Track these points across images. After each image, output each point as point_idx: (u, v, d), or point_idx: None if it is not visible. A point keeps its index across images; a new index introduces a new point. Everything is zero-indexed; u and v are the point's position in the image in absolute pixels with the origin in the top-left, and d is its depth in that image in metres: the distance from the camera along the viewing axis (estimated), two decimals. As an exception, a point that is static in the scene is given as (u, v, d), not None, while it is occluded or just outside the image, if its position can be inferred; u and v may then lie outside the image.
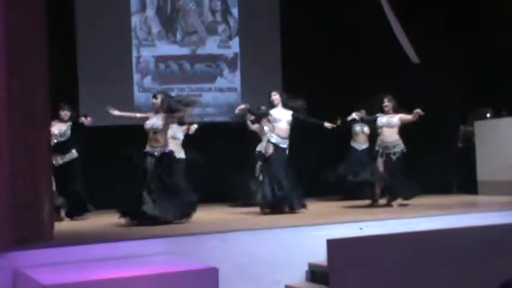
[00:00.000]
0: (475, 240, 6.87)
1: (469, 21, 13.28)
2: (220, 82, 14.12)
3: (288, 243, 7.39)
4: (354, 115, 11.03)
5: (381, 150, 10.70)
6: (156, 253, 6.71)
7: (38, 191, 7.00)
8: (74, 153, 10.45)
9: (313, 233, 7.46)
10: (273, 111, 10.18)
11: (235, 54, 14.23)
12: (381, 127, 10.72)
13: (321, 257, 6.99)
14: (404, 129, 11.07)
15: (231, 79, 14.17)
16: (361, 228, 7.67)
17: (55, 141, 9.96)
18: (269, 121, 10.32)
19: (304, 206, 9.94)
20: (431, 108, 12.59)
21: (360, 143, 12.51)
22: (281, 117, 10.12)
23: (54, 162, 9.68)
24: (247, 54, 14.16)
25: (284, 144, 10.04)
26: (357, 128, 12.43)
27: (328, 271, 6.31)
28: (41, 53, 7.17)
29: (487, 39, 13.03)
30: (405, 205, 10.42)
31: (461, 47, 13.29)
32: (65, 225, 9.32)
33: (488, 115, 12.63)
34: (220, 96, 13.97)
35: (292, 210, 9.82)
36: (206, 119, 13.63)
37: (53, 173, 8.71)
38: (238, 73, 14.20)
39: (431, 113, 12.70)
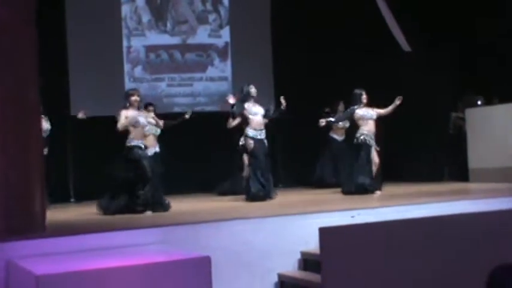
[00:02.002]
0: (466, 227, 6.89)
1: (462, 10, 13.26)
2: (211, 71, 14.10)
3: (280, 231, 7.39)
4: (324, 122, 11.33)
5: (369, 140, 10.78)
6: (148, 243, 6.71)
7: (30, 182, 6.97)
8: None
9: (306, 221, 7.47)
10: (248, 105, 10.49)
11: (226, 43, 14.21)
12: (368, 119, 10.85)
13: (313, 245, 7.01)
14: (395, 117, 11.12)
15: (222, 68, 14.16)
16: (352, 216, 7.68)
17: None
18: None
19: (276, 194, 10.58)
20: (422, 95, 12.64)
21: (340, 135, 12.95)
22: (257, 111, 10.51)
23: None
24: (238, 43, 14.14)
25: (261, 136, 10.46)
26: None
27: (320, 259, 6.33)
28: (32, 44, 7.13)
29: (478, 26, 13.05)
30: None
31: (453, 34, 13.31)
32: (57, 215, 9.30)
33: (479, 102, 12.64)
34: (211, 85, 13.96)
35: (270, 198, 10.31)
36: (197, 108, 13.62)
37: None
38: (229, 62, 14.19)
39: (422, 100, 12.77)
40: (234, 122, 11.94)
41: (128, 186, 9.33)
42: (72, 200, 12.55)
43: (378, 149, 10.70)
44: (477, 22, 12.91)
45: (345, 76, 13.12)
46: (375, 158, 10.72)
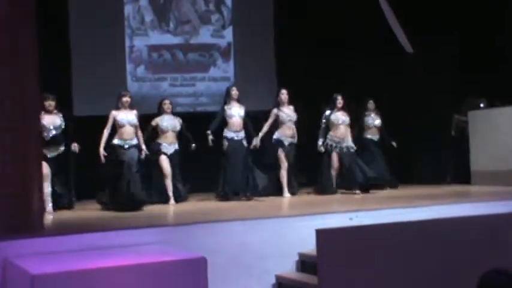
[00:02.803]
0: (466, 230, 6.87)
1: (465, 13, 13.23)
2: (213, 71, 14.08)
3: (278, 233, 7.38)
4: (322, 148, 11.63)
5: (334, 145, 11.40)
6: (145, 243, 6.70)
7: (28, 180, 6.97)
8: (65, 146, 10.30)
9: (304, 223, 7.44)
10: (227, 107, 10.99)
11: (229, 43, 14.19)
12: (339, 124, 11.41)
13: (311, 246, 6.98)
14: (397, 118, 11.14)
15: (225, 69, 14.14)
16: (351, 219, 7.66)
17: (51, 134, 9.92)
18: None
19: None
20: (425, 97, 12.62)
21: (374, 134, 12.63)
22: (234, 113, 10.94)
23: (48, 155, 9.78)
24: (241, 43, 14.12)
25: (238, 137, 10.87)
26: (370, 121, 12.56)
27: (317, 261, 6.31)
28: (31, 41, 7.13)
29: (481, 29, 13.01)
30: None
31: (456, 35, 13.28)
32: (54, 215, 9.31)
33: (481, 105, 12.61)
34: (213, 85, 13.94)
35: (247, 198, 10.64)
36: (199, 109, 13.63)
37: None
38: (231, 63, 14.16)
39: (424, 102, 12.75)
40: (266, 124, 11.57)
41: (110, 184, 9.77)
42: (73, 199, 12.53)
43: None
44: (480, 23, 12.87)
45: (347, 77, 13.11)
46: (335, 163, 11.32)
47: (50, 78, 9.93)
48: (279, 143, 11.19)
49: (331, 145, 11.38)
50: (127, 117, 10.29)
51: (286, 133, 11.22)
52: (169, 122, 10.90)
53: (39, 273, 5.38)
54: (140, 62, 13.72)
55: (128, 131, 10.18)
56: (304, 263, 7.27)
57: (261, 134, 11.08)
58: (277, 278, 7.27)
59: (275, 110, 11.29)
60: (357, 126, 12.31)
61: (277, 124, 11.27)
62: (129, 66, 13.64)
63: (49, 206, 9.51)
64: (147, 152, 10.51)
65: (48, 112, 9.96)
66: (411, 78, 12.78)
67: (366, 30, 13.29)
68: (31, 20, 7.15)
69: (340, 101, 11.41)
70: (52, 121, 9.96)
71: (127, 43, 13.64)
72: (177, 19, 13.96)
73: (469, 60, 13.08)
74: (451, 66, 13.35)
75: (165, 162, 10.67)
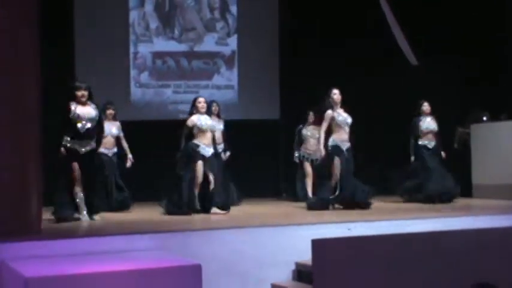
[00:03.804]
0: (465, 243, 6.85)
1: (469, 25, 13.24)
2: (217, 79, 14.09)
3: (275, 242, 7.38)
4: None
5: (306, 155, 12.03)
6: (141, 249, 6.71)
7: (25, 184, 7.00)
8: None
9: (301, 232, 7.44)
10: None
11: (233, 51, 14.20)
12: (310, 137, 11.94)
13: (308, 256, 6.97)
14: (399, 129, 11.16)
15: (228, 77, 14.14)
16: (349, 229, 7.65)
17: (87, 126, 8.98)
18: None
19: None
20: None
21: (429, 140, 11.50)
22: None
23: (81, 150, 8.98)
24: (245, 52, 14.13)
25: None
26: (424, 125, 11.46)
27: (312, 271, 6.30)
28: (32, 45, 7.14)
29: (485, 42, 13.02)
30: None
31: (461, 48, 13.28)
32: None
33: (484, 118, 12.59)
34: (217, 93, 13.93)
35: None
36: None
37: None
38: (235, 71, 14.17)
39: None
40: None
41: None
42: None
43: None
44: (485, 36, 12.88)
45: (351, 87, 13.08)
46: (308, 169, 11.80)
47: (53, 83, 9.98)
48: (336, 149, 10.17)
49: (303, 156, 11.99)
50: (109, 128, 10.58)
51: (343, 138, 10.24)
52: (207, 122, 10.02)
53: (33, 276, 5.41)
54: (144, 68, 13.74)
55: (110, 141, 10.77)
56: (301, 273, 7.24)
57: (322, 141, 10.20)
58: (273, 286, 7.25)
59: (330, 112, 10.26)
60: (411, 132, 11.49)
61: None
62: (133, 73, 13.66)
63: (83, 213, 8.79)
64: (132, 160, 10.91)
65: (82, 104, 9.00)
66: (416, 89, 12.73)
67: (372, 41, 13.27)
68: (32, 25, 7.17)
69: (311, 117, 11.88)
70: (87, 112, 8.99)
71: (131, 49, 13.67)
72: (182, 26, 13.98)
73: (474, 73, 13.10)
74: (457, 79, 13.34)
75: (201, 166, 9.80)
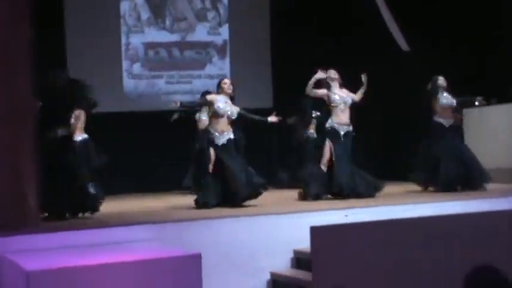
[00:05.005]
0: (461, 227, 6.88)
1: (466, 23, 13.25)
2: (209, 69, 14.10)
3: (273, 230, 7.41)
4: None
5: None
6: (140, 239, 6.73)
7: (23, 177, 6.99)
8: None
9: (299, 219, 7.47)
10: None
11: (225, 41, 14.21)
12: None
13: (306, 243, 7.00)
14: (392, 117, 11.13)
15: (221, 66, 14.15)
16: (346, 215, 7.68)
17: None
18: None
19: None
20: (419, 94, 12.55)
21: (447, 118, 10.49)
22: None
23: None
24: (237, 41, 14.14)
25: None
26: (444, 100, 10.43)
27: (311, 258, 6.33)
28: (25, 41, 7.13)
29: (476, 28, 13.02)
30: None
31: (450, 33, 13.29)
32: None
33: (476, 103, 12.60)
34: (209, 83, 13.86)
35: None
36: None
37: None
38: (227, 60, 14.19)
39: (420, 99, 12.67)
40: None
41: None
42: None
43: None
44: (477, 21, 12.88)
45: (345, 75, 13.09)
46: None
47: (45, 76, 9.95)
48: (332, 132, 9.67)
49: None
50: None
51: (341, 120, 9.67)
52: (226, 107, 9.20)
53: (34, 269, 5.41)
54: (136, 59, 13.73)
55: None
56: (299, 260, 7.29)
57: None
58: (272, 274, 7.30)
59: (324, 91, 9.84)
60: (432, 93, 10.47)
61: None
62: (125, 64, 13.65)
63: None
64: None
65: None
66: (410, 76, 12.74)
67: (365, 28, 13.27)
68: (25, 20, 7.15)
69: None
70: None
71: (123, 40, 13.66)
72: (173, 16, 13.97)
73: (465, 58, 13.10)
74: (450, 65, 13.35)
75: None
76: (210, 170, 8.96)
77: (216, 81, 13.75)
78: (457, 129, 10.62)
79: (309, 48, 13.61)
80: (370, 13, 12.01)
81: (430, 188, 10.34)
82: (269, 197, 9.67)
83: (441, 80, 10.45)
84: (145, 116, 13.13)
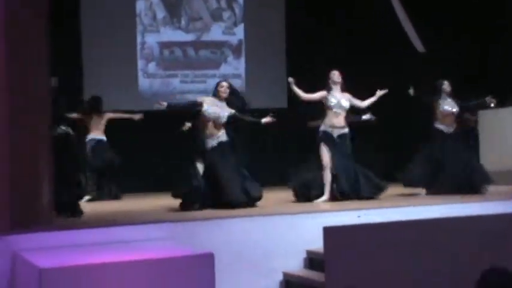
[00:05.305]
0: (474, 229, 6.86)
1: (476, 14, 13.19)
2: (224, 69, 14.10)
3: (286, 230, 7.40)
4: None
5: None
6: (153, 238, 6.73)
7: (36, 175, 7.02)
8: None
9: (312, 220, 7.46)
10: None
11: (240, 41, 14.21)
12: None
13: (319, 244, 6.99)
14: (404, 117, 11.09)
15: (236, 66, 14.16)
16: (359, 216, 7.66)
17: None
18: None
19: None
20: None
21: (448, 125, 10.29)
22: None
23: None
24: (252, 41, 14.14)
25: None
26: (445, 106, 10.25)
27: (324, 258, 6.32)
28: (42, 37, 7.15)
29: (492, 29, 12.99)
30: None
31: (466, 35, 13.26)
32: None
33: (492, 104, 12.53)
34: (224, 83, 13.96)
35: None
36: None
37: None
38: (242, 60, 14.19)
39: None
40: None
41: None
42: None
43: None
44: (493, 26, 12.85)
45: (358, 74, 13.06)
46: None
47: (61, 74, 9.99)
48: (324, 135, 9.58)
49: None
50: None
51: (334, 123, 9.60)
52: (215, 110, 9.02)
53: (47, 266, 5.42)
54: (151, 58, 13.77)
55: None
56: (312, 261, 7.27)
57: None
58: (285, 275, 7.28)
59: (324, 92, 9.80)
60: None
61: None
62: (140, 63, 13.68)
63: None
64: None
65: None
66: (421, 76, 12.71)
67: (378, 28, 13.24)
68: (42, 15, 7.19)
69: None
70: None
71: (138, 39, 13.69)
72: (189, 16, 13.99)
73: (480, 60, 13.07)
74: (463, 66, 13.31)
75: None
76: (201, 173, 8.85)
77: (231, 80, 13.83)
78: (459, 136, 10.37)
79: (324, 48, 13.59)
80: (386, 12, 11.95)
81: (423, 191, 10.13)
82: (281, 197, 9.70)
83: (445, 85, 10.27)
84: (159, 115, 13.11)
